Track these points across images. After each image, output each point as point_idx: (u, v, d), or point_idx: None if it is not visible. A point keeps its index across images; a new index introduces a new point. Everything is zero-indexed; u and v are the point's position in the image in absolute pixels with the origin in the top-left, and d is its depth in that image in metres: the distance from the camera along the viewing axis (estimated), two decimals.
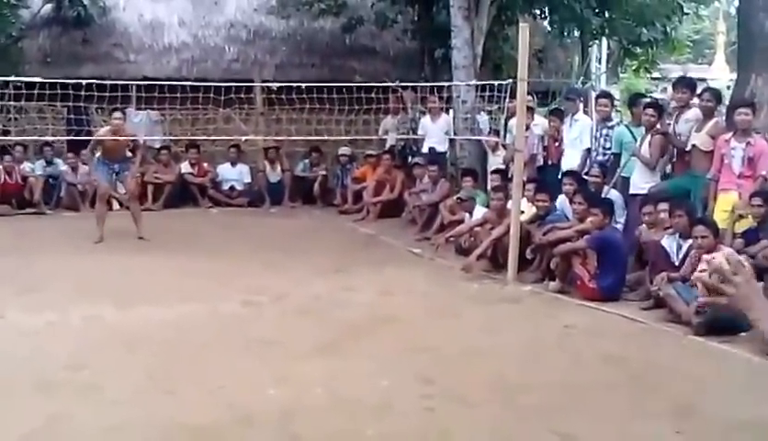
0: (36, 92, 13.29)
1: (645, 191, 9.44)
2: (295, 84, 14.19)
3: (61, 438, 4.91)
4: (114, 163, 11.60)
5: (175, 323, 7.31)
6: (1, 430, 4.97)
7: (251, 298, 8.21)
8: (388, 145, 15.03)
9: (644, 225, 8.87)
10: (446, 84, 13.82)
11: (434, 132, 13.77)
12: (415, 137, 14.42)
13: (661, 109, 10.09)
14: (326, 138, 14.83)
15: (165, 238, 11.33)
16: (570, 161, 10.87)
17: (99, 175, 11.82)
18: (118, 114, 11.61)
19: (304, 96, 14.12)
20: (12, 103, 14.22)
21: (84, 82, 13.33)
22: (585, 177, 10.25)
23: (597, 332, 7.36)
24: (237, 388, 5.70)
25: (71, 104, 13.88)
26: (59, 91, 13.24)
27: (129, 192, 11.80)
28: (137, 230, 11.44)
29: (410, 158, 14.58)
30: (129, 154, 11.82)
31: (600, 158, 10.62)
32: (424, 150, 13.85)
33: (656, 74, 22.64)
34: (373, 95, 14.11)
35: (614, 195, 9.90)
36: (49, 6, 16.70)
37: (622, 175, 10.09)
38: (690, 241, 7.92)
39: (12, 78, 13.53)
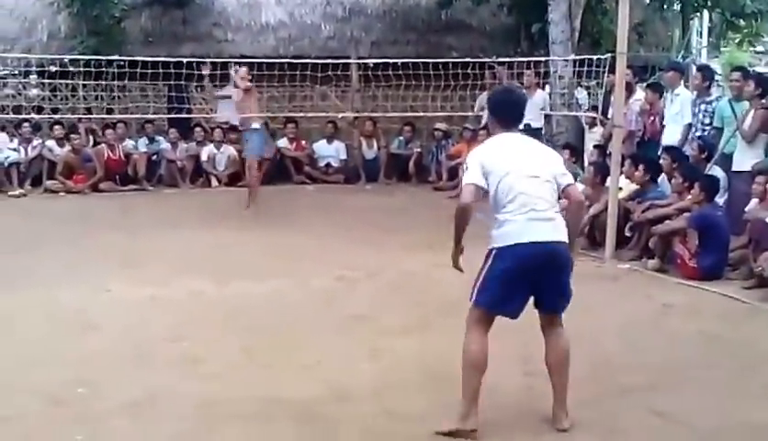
0: (138, 71, 13.63)
1: (748, 168, 9.11)
2: (391, 61, 14.23)
3: (160, 409, 5.05)
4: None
5: (270, 298, 7.44)
6: (104, 398, 5.15)
7: (345, 273, 8.28)
8: (483, 122, 14.89)
9: (755, 200, 8.57)
10: (542, 59, 13.65)
11: (530, 108, 13.52)
12: None
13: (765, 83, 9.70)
14: (422, 114, 14.82)
15: (263, 214, 11.48)
16: (671, 136, 10.57)
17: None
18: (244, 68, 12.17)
19: (400, 72, 14.15)
20: (115, 82, 14.57)
21: (184, 61, 13.63)
22: (686, 154, 9.97)
23: (697, 311, 7.19)
24: (332, 363, 5.78)
25: (172, 82, 14.16)
26: (160, 70, 13.50)
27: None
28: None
29: None
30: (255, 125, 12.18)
31: (699, 134, 10.30)
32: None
33: (759, 48, 21.84)
34: (469, 71, 14.04)
35: (717, 172, 9.59)
36: None
37: (723, 151, 9.76)
38: None
39: (115, 57, 13.88)
